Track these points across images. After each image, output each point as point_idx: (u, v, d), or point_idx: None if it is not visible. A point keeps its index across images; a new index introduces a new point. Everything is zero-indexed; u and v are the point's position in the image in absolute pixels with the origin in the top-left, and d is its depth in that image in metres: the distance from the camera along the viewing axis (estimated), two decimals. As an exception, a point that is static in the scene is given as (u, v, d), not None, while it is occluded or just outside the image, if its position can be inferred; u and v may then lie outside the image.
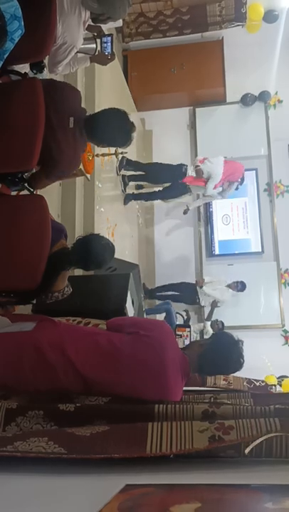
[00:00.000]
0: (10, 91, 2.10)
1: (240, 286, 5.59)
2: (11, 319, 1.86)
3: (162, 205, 6.20)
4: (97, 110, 4.11)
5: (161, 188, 5.56)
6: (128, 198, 5.32)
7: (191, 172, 5.20)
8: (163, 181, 5.42)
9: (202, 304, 5.59)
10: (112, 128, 2.21)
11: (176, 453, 1.04)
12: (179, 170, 5.22)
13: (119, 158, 4.96)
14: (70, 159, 2.23)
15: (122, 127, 2.22)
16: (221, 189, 5.42)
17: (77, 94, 2.31)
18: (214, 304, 5.55)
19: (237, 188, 5.54)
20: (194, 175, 5.21)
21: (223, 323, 5.46)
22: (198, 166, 5.20)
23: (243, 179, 5.50)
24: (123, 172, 5.19)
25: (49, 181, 2.36)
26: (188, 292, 5.61)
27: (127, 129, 2.23)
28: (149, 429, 1.11)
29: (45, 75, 2.60)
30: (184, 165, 5.27)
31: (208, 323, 5.52)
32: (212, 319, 5.55)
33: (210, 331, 5.41)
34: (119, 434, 1.14)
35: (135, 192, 5.52)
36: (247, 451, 1.00)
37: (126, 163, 5.11)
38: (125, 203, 5.29)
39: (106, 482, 0.96)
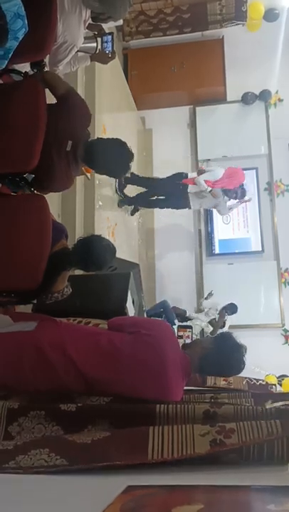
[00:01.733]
0: (11, 91, 2.09)
1: (229, 311, 5.45)
2: (14, 318, 1.86)
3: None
4: (97, 109, 4.17)
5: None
6: (124, 202, 5.21)
7: (191, 175, 5.14)
8: (164, 192, 5.32)
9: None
10: (110, 160, 2.15)
11: (177, 458, 1.04)
12: (179, 176, 5.16)
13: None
14: (61, 183, 2.21)
15: (121, 161, 2.17)
16: (209, 188, 5.17)
17: (87, 117, 2.23)
18: (222, 313, 5.49)
19: (237, 197, 5.33)
20: (196, 175, 5.14)
21: (234, 306, 5.40)
22: (201, 167, 5.17)
23: (243, 190, 5.29)
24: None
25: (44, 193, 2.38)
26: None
27: (125, 162, 2.17)
28: (150, 434, 1.11)
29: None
30: (184, 173, 5.23)
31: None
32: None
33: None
34: (120, 440, 1.14)
35: (131, 196, 5.37)
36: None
37: (125, 182, 5.09)
38: (120, 205, 5.19)
39: (108, 483, 0.97)
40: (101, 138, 2.30)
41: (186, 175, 5.19)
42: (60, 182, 2.21)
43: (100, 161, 2.17)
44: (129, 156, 2.17)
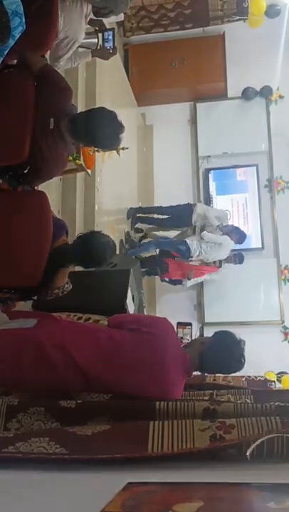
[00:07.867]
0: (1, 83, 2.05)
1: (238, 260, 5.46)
2: (10, 316, 1.86)
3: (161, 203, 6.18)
4: (97, 104, 4.15)
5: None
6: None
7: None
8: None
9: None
10: (99, 130, 2.03)
11: (177, 453, 1.05)
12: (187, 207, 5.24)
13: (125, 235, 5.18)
14: (54, 164, 2.12)
15: (109, 130, 2.05)
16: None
17: (66, 92, 2.10)
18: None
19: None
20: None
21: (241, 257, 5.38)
22: None
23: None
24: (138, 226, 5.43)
25: (41, 181, 2.33)
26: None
27: (114, 131, 2.06)
28: (150, 428, 1.11)
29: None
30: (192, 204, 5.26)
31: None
32: None
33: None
34: (120, 433, 1.14)
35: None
36: (248, 453, 0.99)
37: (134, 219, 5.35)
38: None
39: (108, 480, 0.97)
40: (88, 110, 2.17)
41: (194, 205, 5.24)
42: (53, 163, 2.11)
43: (87, 133, 2.04)
44: (118, 126, 2.05)
